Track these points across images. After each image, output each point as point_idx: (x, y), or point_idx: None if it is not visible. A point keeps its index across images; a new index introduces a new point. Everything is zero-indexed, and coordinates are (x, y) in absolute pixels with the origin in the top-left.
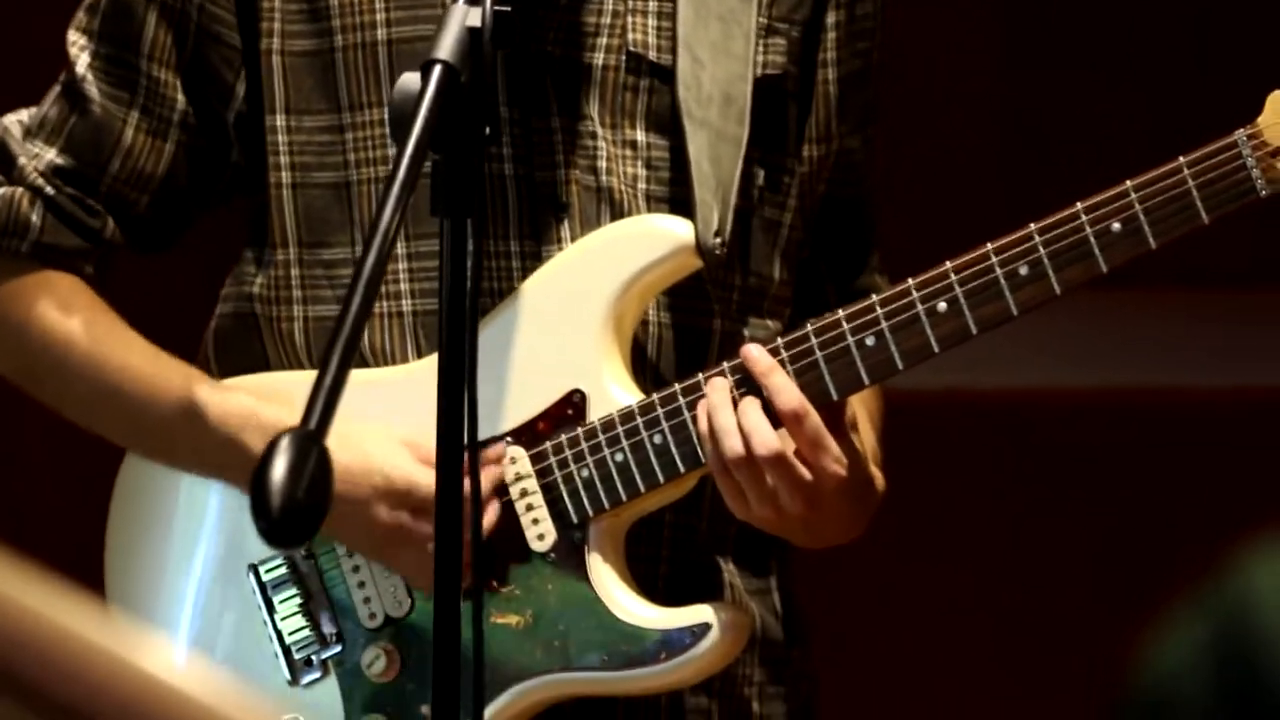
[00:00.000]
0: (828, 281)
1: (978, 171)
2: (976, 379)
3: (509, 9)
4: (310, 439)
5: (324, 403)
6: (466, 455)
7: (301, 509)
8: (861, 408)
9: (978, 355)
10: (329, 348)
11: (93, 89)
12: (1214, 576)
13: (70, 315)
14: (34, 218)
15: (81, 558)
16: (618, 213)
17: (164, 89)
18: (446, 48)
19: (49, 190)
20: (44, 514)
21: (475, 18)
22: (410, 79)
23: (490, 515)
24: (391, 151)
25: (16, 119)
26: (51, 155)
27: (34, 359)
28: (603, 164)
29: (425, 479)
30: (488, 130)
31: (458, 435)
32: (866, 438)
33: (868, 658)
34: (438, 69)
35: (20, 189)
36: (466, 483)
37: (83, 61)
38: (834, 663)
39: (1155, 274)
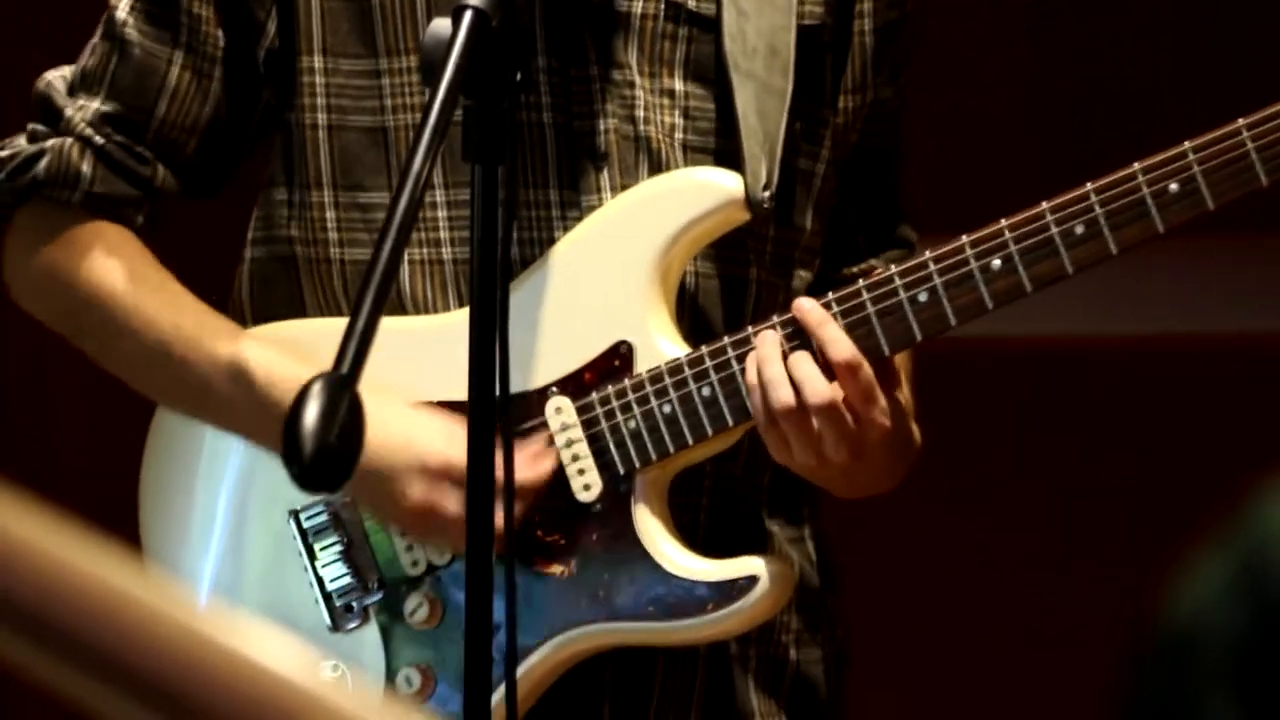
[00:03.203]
0: (858, 230)
1: (1008, 133)
2: (1013, 326)
3: None
4: (342, 383)
5: (356, 347)
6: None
7: (334, 453)
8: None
9: (1018, 303)
10: (361, 292)
11: (134, 32)
12: (1238, 514)
13: (119, 269)
14: (85, 167)
15: (116, 511)
16: (655, 162)
17: (205, 26)
18: None
19: (98, 139)
20: (79, 465)
21: None
22: (441, 24)
23: (538, 470)
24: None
25: (59, 74)
26: (98, 104)
27: (81, 313)
28: (640, 113)
29: (462, 456)
30: (519, 76)
31: (489, 384)
32: (904, 393)
33: (904, 604)
34: (468, 14)
35: (69, 139)
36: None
37: (123, 5)
38: (867, 609)
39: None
